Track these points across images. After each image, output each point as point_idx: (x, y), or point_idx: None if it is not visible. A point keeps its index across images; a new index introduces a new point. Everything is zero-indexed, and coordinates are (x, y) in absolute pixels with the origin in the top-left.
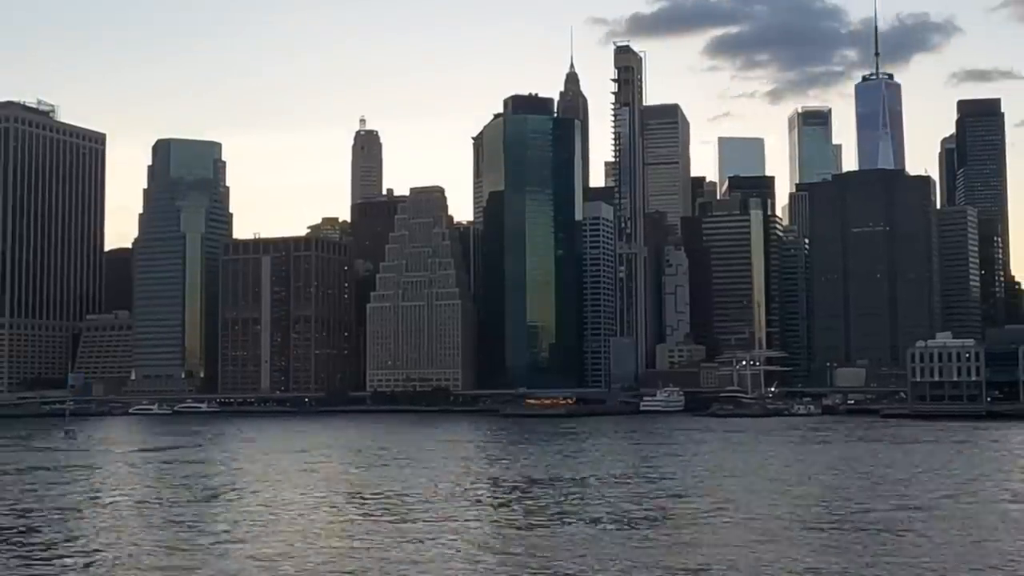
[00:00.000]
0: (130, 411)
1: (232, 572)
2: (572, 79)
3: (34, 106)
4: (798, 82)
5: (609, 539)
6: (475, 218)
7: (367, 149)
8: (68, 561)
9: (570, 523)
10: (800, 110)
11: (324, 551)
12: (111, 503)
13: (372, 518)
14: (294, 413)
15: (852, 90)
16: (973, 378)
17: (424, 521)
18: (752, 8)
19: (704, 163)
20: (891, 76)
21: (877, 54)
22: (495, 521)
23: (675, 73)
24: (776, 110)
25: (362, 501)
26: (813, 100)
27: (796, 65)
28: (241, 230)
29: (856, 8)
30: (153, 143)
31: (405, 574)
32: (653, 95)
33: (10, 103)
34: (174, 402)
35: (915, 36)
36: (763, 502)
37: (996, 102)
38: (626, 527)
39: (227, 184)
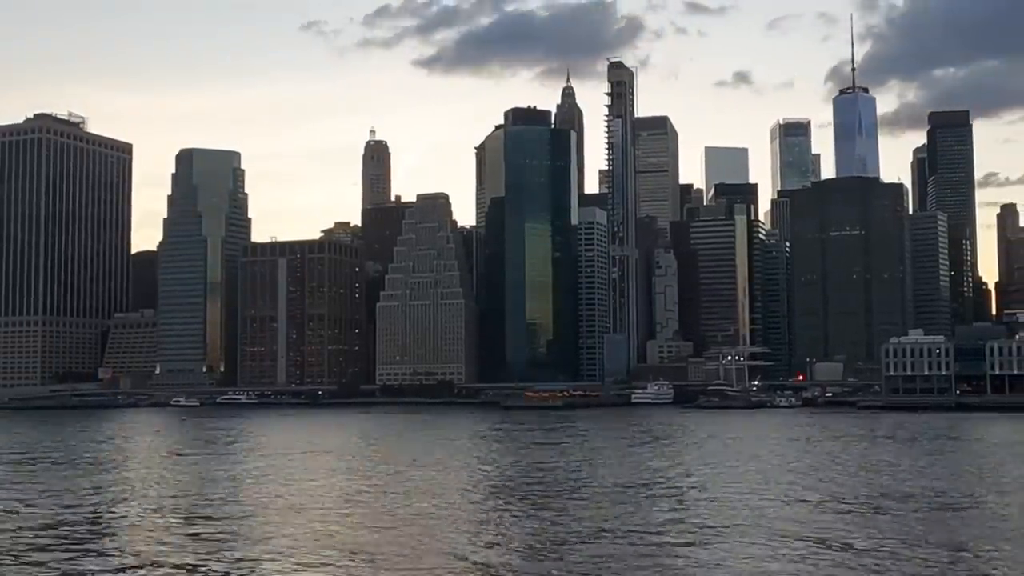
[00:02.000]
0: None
1: None
2: (568, 93)
3: (65, 118)
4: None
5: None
6: (478, 223)
7: (377, 158)
8: None
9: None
10: (781, 121)
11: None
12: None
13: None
14: (308, 405)
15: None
16: (943, 372)
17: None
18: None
19: (692, 171)
20: (867, 90)
21: (853, 69)
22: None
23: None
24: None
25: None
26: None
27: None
28: (259, 234)
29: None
30: (177, 152)
31: None
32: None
33: (43, 115)
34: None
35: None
36: None
37: (965, 114)
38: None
39: (246, 191)
